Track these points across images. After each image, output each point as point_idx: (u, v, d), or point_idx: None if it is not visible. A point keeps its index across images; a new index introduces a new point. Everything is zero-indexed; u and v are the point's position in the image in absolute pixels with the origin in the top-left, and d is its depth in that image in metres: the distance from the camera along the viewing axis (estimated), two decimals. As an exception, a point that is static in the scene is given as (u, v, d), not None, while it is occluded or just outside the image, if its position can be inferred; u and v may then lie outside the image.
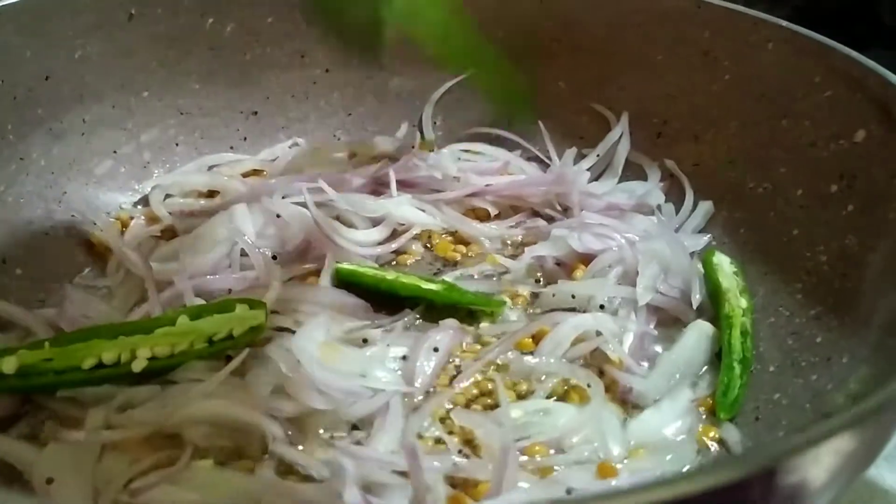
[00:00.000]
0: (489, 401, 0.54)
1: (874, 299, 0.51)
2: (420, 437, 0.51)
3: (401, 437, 0.50)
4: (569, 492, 0.45)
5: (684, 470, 0.50)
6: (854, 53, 0.61)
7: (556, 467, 0.49)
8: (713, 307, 0.61)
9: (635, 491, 0.27)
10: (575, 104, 0.79)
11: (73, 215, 0.67)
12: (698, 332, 0.58)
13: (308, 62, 0.81)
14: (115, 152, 0.73)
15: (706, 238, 0.68)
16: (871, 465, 0.38)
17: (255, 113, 0.80)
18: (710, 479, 0.28)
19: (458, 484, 0.48)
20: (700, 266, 0.63)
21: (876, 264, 0.53)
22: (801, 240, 0.61)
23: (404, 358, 0.56)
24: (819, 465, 0.30)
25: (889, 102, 0.57)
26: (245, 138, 0.79)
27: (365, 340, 0.57)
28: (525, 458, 0.50)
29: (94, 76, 0.71)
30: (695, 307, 0.60)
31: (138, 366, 0.52)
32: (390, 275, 0.63)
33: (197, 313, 0.55)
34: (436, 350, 0.56)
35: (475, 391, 0.55)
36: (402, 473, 0.46)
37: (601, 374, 0.56)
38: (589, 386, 0.54)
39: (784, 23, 0.67)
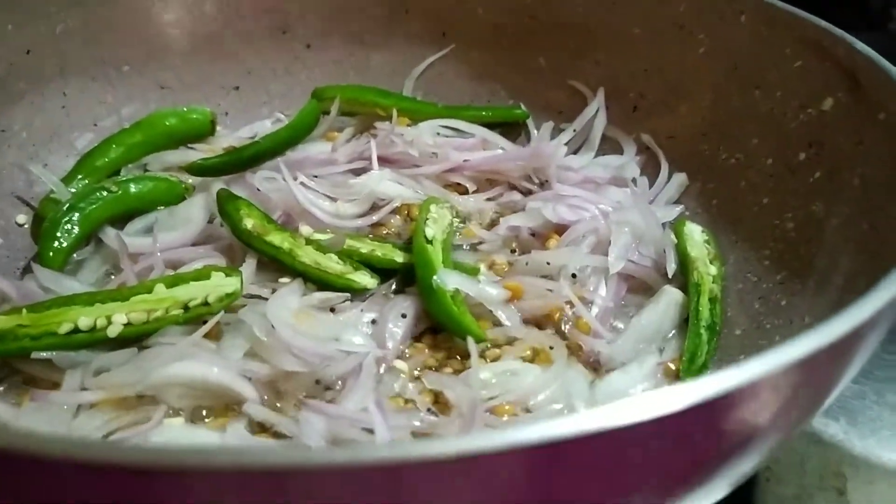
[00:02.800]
0: (458, 364, 0.55)
1: (835, 262, 0.52)
2: (391, 397, 0.52)
3: (371, 397, 0.51)
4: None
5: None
6: (823, 22, 0.62)
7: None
8: (683, 275, 0.62)
9: (573, 421, 0.28)
10: (553, 79, 0.80)
11: (52, 187, 0.67)
12: (667, 299, 0.59)
13: (289, 37, 0.81)
14: (95, 125, 0.73)
15: (679, 209, 0.69)
16: (818, 409, 0.39)
17: (237, 88, 0.81)
18: (652, 408, 0.28)
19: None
20: (673, 236, 0.64)
21: (838, 228, 0.54)
22: (770, 208, 0.62)
23: (374, 322, 0.57)
24: (759, 399, 0.31)
25: (856, 69, 0.57)
26: (227, 113, 0.80)
27: (333, 310, 0.58)
28: (493, 417, 0.51)
29: (75, 50, 0.72)
30: (670, 276, 0.61)
31: (113, 331, 0.53)
32: (364, 247, 0.63)
33: (173, 282, 0.56)
34: (404, 316, 0.57)
35: (444, 354, 0.56)
36: (371, 431, 0.48)
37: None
38: (552, 348, 0.55)
39: (757, -6, 0.67)
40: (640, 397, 0.29)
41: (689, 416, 0.29)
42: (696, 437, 0.31)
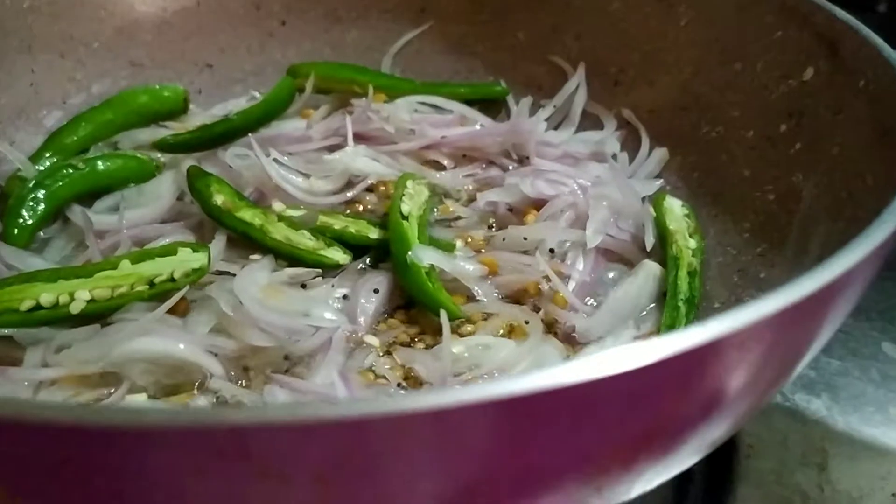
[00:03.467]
0: (431, 339, 0.54)
1: (812, 231, 0.51)
2: (361, 371, 0.51)
3: (339, 372, 0.50)
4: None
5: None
6: (803, -10, 0.60)
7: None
8: (662, 249, 0.61)
9: (538, 376, 0.27)
10: (533, 54, 0.79)
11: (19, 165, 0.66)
12: (645, 273, 0.58)
13: (263, 14, 0.80)
14: (64, 103, 0.72)
15: (658, 183, 0.67)
16: (788, 374, 0.38)
17: (210, 65, 0.79)
18: (615, 364, 0.27)
19: (397, 417, 0.48)
20: (652, 210, 0.63)
21: (817, 198, 0.53)
22: (751, 180, 0.61)
23: (345, 297, 0.55)
24: (726, 357, 0.30)
25: (836, 38, 0.56)
26: (200, 91, 0.78)
27: (304, 286, 0.57)
28: (465, 391, 0.50)
29: (43, 26, 0.70)
30: (648, 250, 0.60)
31: (76, 307, 0.51)
32: (338, 224, 0.62)
33: (139, 257, 0.54)
34: (376, 291, 0.56)
35: (417, 329, 0.55)
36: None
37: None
38: (527, 323, 0.54)
39: (737, -34, 0.66)
40: (602, 354, 0.28)
41: (653, 372, 0.28)
42: (662, 397, 0.30)
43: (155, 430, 0.25)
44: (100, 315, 0.52)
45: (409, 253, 0.56)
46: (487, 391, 0.26)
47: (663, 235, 0.61)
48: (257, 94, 0.80)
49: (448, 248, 0.61)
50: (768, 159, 0.61)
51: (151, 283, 0.53)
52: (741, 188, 0.62)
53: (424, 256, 0.56)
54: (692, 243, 0.60)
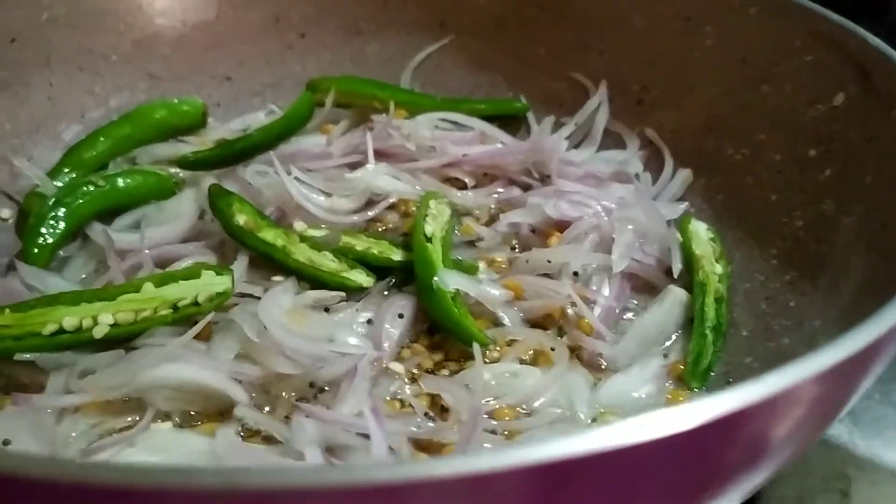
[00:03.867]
0: (455, 366, 0.54)
1: (846, 262, 0.51)
2: (387, 400, 0.51)
3: (366, 401, 0.49)
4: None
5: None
6: (835, 16, 0.60)
7: (522, 429, 0.48)
8: (687, 274, 0.60)
9: (586, 438, 0.26)
10: (554, 70, 0.78)
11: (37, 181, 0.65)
12: (672, 299, 0.58)
13: (283, 27, 0.79)
14: (83, 117, 0.71)
15: (683, 206, 0.67)
16: (831, 422, 0.37)
17: (229, 78, 0.78)
18: (664, 426, 0.27)
19: (424, 447, 0.47)
20: (678, 234, 0.62)
21: (850, 227, 0.53)
22: (778, 205, 0.61)
23: (369, 322, 0.55)
24: (776, 414, 0.30)
25: (868, 64, 0.56)
26: (218, 104, 0.78)
27: (327, 309, 0.56)
28: (494, 421, 0.49)
29: (62, 38, 0.70)
30: (675, 276, 0.59)
31: (100, 332, 0.51)
32: (360, 244, 0.61)
33: (162, 280, 0.54)
34: (401, 316, 0.56)
35: (442, 356, 0.55)
36: (366, 436, 0.46)
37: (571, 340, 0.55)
38: (553, 349, 0.53)
39: (766, -14, 0.65)
40: (652, 415, 0.27)
41: (701, 433, 0.28)
42: (708, 455, 0.30)
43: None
44: (123, 339, 0.52)
45: (435, 278, 0.55)
46: (527, 455, 0.26)
47: (689, 260, 0.60)
48: (276, 108, 0.79)
49: (471, 270, 0.60)
50: (796, 184, 0.60)
51: (175, 307, 0.53)
52: (768, 213, 0.61)
53: (450, 281, 0.56)
54: (718, 268, 0.60)
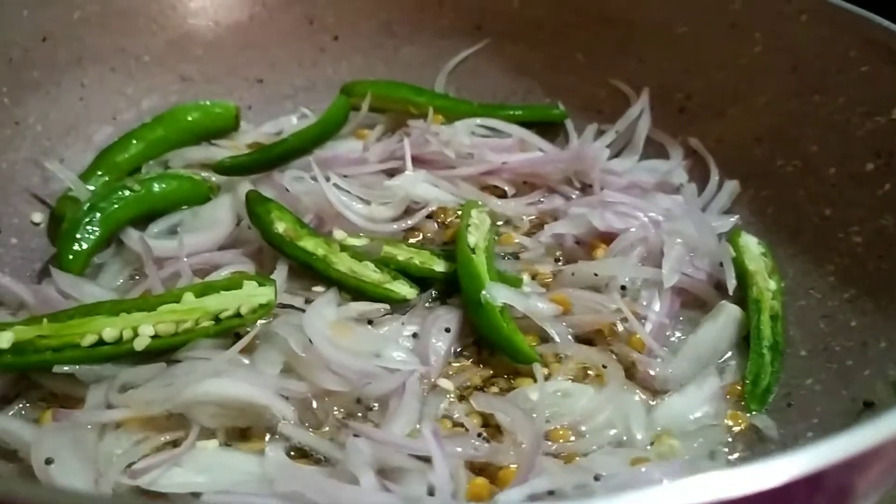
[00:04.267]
0: (504, 383, 0.52)
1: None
2: (438, 419, 0.49)
3: (417, 419, 0.47)
4: (597, 478, 0.43)
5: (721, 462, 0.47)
6: (893, 25, 0.58)
7: (579, 452, 0.47)
8: (740, 290, 0.58)
9: (674, 491, 0.25)
10: (593, 77, 0.76)
11: (70, 185, 0.63)
12: (725, 316, 0.56)
13: (316, 28, 0.77)
14: (114, 118, 0.69)
15: (734, 219, 0.65)
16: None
17: (261, 81, 0.77)
18: (758, 481, 0.26)
19: (478, 469, 0.46)
20: (731, 249, 0.60)
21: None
22: (833, 220, 0.59)
23: (415, 336, 0.53)
24: (871, 465, 0.28)
25: (930, 76, 0.54)
26: (249, 106, 0.76)
27: (370, 322, 0.55)
28: (549, 442, 0.47)
29: (93, 38, 0.68)
30: (731, 293, 0.57)
31: (140, 344, 0.49)
32: (402, 254, 0.60)
33: (203, 290, 0.52)
34: (447, 330, 0.54)
35: (490, 372, 0.53)
36: (419, 457, 0.44)
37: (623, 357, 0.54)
38: (605, 367, 0.51)
39: (819, -7, 0.63)
40: (742, 470, 0.26)
41: (788, 489, 0.26)
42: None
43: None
44: (164, 351, 0.50)
45: (483, 292, 0.54)
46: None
47: (742, 276, 0.58)
48: (308, 111, 0.77)
49: (515, 282, 0.59)
50: (852, 199, 0.58)
51: (217, 319, 0.51)
52: (822, 228, 0.60)
53: (499, 295, 0.54)
54: (772, 285, 0.58)
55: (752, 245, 0.61)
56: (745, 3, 0.68)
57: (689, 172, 0.70)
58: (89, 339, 0.49)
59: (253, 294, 0.52)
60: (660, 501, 0.26)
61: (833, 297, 0.56)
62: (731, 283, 0.57)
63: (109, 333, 0.49)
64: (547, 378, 0.52)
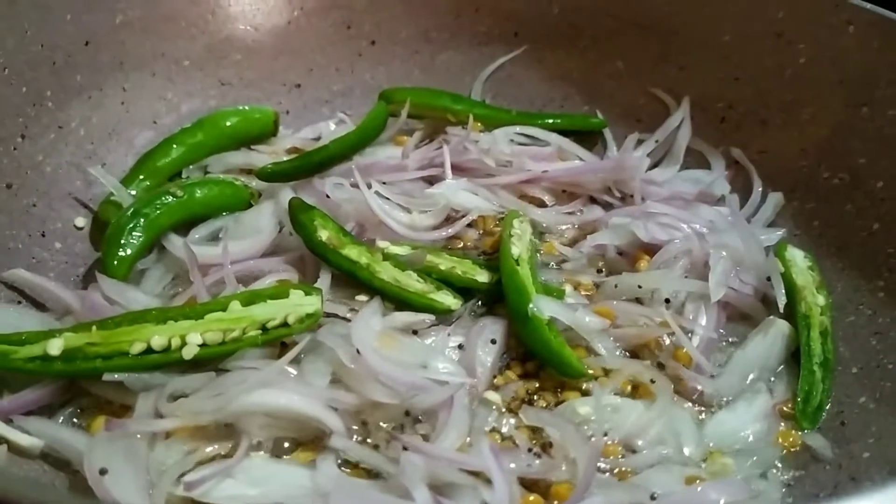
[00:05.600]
0: (551, 396, 0.52)
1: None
2: (487, 433, 0.49)
3: (467, 433, 0.47)
4: (653, 497, 0.43)
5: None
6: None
7: (631, 468, 0.47)
8: (788, 305, 0.57)
9: None
10: (633, 85, 0.76)
11: (112, 190, 0.63)
12: (774, 331, 0.55)
13: (354, 33, 0.77)
14: (155, 123, 0.69)
15: (780, 232, 0.64)
16: None
17: (298, 85, 0.77)
18: None
19: (528, 485, 0.45)
20: (779, 263, 0.59)
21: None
22: (882, 234, 0.58)
23: (460, 347, 0.53)
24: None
25: None
26: (287, 111, 0.76)
27: (415, 332, 0.54)
28: (600, 459, 0.47)
29: (134, 43, 0.68)
30: (781, 309, 0.56)
31: (189, 353, 0.49)
32: (444, 264, 0.59)
33: (250, 299, 0.52)
34: (493, 342, 0.54)
35: (536, 385, 0.53)
36: (471, 473, 0.44)
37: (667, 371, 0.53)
38: (653, 382, 0.51)
39: (868, 5, 0.63)
40: None
41: None
42: None
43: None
44: (211, 360, 0.50)
45: (531, 305, 0.53)
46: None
47: (790, 291, 0.57)
48: (344, 116, 0.77)
49: (558, 294, 0.58)
50: (903, 214, 0.58)
51: (264, 328, 0.51)
52: (871, 242, 0.59)
53: (546, 308, 0.53)
54: (820, 300, 0.57)
55: (798, 259, 0.60)
56: (789, 12, 0.67)
57: (731, 183, 0.69)
58: (138, 347, 0.49)
59: (300, 303, 0.52)
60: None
61: (884, 313, 0.55)
62: (782, 300, 0.56)
63: (158, 342, 0.49)
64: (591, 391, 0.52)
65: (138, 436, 0.46)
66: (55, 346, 0.48)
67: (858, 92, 0.63)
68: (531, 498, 0.44)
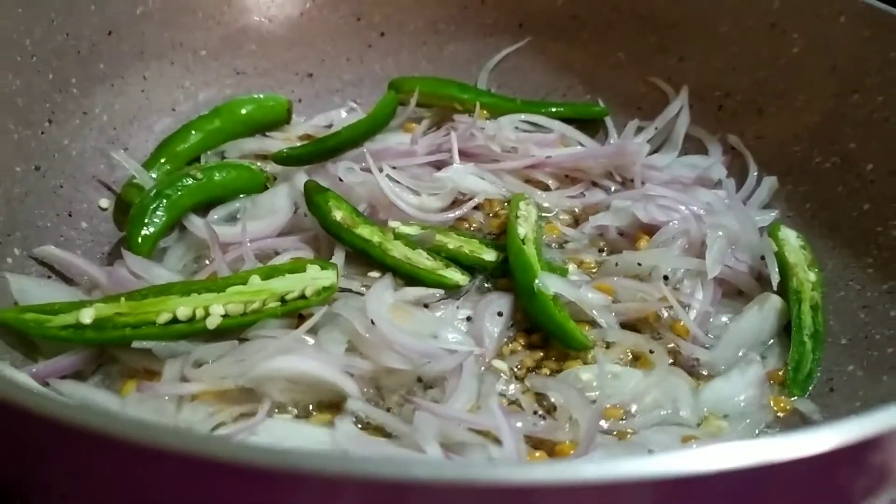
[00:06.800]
0: (554, 364, 0.55)
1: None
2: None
3: (476, 397, 0.50)
4: (650, 454, 0.45)
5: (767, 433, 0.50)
6: (933, 27, 0.60)
7: (630, 430, 0.49)
8: (781, 281, 0.60)
9: (716, 455, 0.27)
10: (633, 75, 0.78)
11: (135, 173, 0.66)
12: (768, 305, 0.58)
13: (364, 25, 0.80)
14: (173, 110, 0.72)
15: (773, 213, 0.67)
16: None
17: (311, 75, 0.79)
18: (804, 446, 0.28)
19: (534, 444, 0.48)
20: (773, 243, 0.62)
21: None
22: (871, 214, 0.61)
23: (468, 319, 0.56)
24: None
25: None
26: (300, 100, 0.79)
27: (426, 306, 0.57)
28: (601, 420, 0.50)
29: (154, 32, 0.71)
30: (774, 287, 0.59)
31: (212, 322, 0.52)
32: (452, 243, 0.62)
33: (269, 273, 0.55)
34: (500, 314, 0.56)
35: (540, 355, 0.55)
36: (479, 432, 0.47)
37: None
38: (652, 352, 0.54)
39: (858, -5, 0.65)
40: (786, 437, 0.28)
41: (833, 457, 0.28)
42: (835, 482, 0.30)
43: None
44: (233, 330, 0.53)
45: (537, 281, 0.56)
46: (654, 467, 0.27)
47: (783, 267, 0.60)
48: (355, 104, 0.80)
49: (562, 272, 0.61)
50: (891, 194, 0.60)
51: (283, 300, 0.54)
52: (861, 222, 0.61)
53: (551, 284, 0.56)
54: (811, 276, 0.60)
55: (791, 238, 0.63)
56: (783, 3, 0.70)
57: (728, 168, 0.72)
58: (164, 318, 0.51)
59: (316, 277, 0.55)
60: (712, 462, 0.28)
61: (872, 288, 0.58)
62: (775, 277, 0.58)
63: (183, 312, 0.52)
64: (594, 361, 0.55)
65: (166, 398, 0.49)
66: (87, 315, 0.51)
67: (849, 80, 0.65)
68: (537, 454, 0.47)
